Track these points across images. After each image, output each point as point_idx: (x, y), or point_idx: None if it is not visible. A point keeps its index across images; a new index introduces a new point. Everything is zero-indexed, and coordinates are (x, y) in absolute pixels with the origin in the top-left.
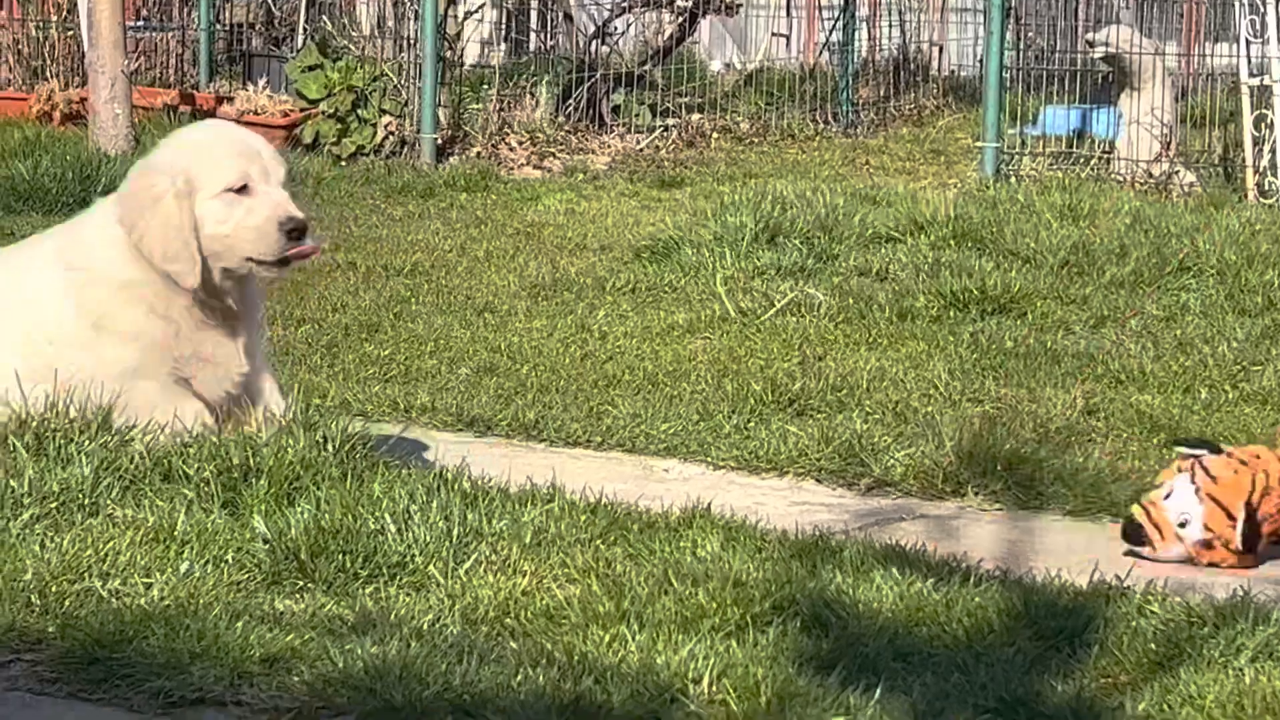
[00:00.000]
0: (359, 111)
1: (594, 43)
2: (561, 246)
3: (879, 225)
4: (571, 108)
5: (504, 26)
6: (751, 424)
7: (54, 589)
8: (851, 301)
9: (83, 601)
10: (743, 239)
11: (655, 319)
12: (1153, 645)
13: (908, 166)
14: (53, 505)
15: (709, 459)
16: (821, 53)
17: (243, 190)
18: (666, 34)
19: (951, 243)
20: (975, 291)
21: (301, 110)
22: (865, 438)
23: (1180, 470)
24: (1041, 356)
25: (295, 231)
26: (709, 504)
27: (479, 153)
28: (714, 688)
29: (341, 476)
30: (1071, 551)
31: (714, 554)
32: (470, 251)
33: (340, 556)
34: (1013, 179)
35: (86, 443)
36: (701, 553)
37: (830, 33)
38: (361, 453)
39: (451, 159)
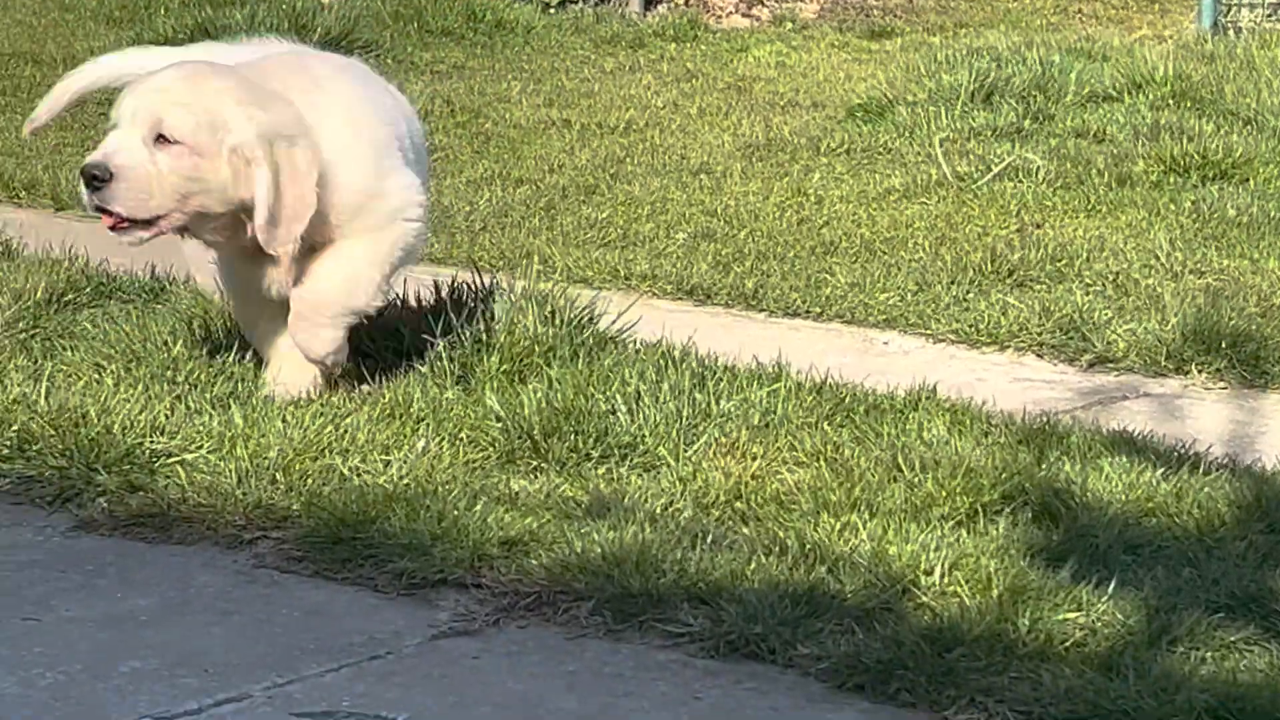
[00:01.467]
0: None
1: None
2: (773, 103)
3: (1095, 84)
4: None
5: None
6: (970, 295)
7: (297, 466)
8: (1069, 166)
9: (325, 479)
10: (957, 98)
11: (870, 182)
12: None
13: (1121, 15)
14: None
15: (928, 331)
16: None
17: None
18: None
19: (1170, 103)
20: (1196, 156)
21: None
22: (1086, 312)
23: None
24: (1265, 226)
25: (93, 180)
26: (934, 385)
27: (687, 0)
28: (945, 579)
29: (572, 355)
30: None
31: (940, 438)
32: (683, 108)
33: (573, 437)
34: (1230, 32)
35: None
36: (928, 436)
37: None
38: (590, 329)
39: (659, 7)
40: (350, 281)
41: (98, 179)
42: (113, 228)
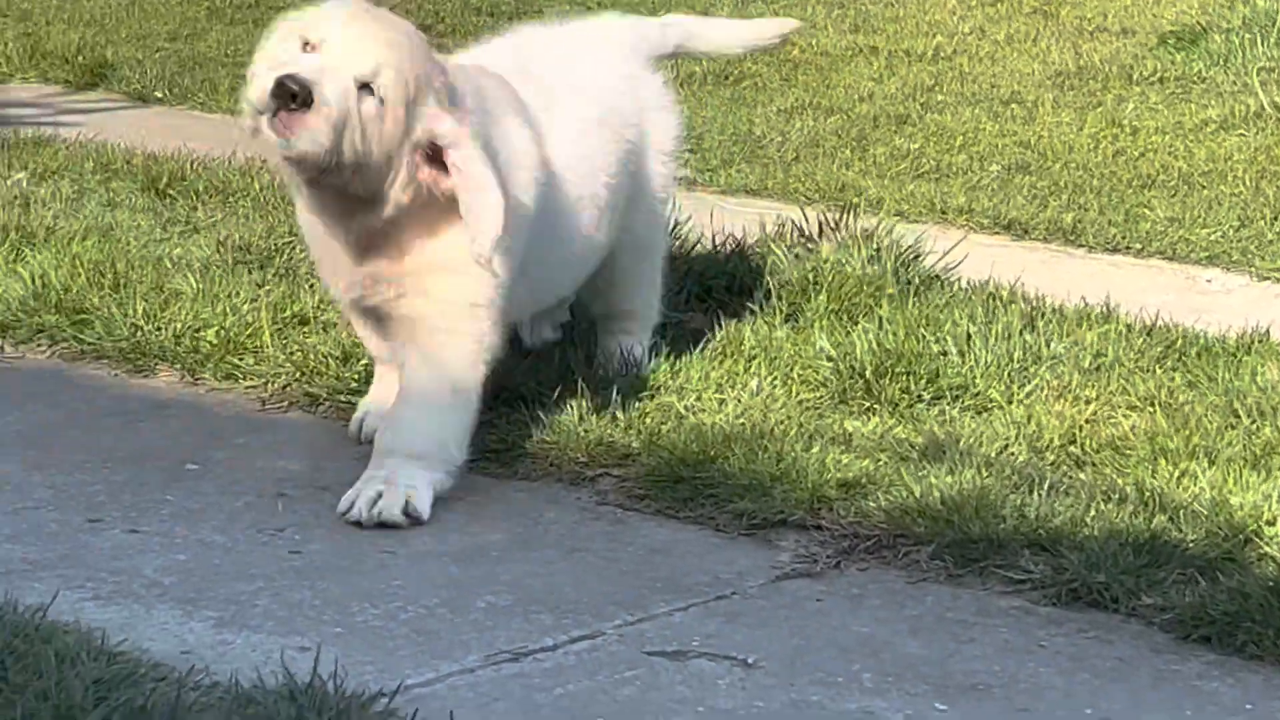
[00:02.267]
0: None
1: None
2: (1081, 29)
3: None
4: None
5: None
6: None
7: (636, 405)
8: None
9: (663, 418)
10: (1273, 25)
11: (1186, 113)
12: None
13: None
14: None
15: (1252, 269)
16: None
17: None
18: None
19: None
20: None
21: None
22: None
23: None
24: None
25: (287, 95)
26: (1265, 328)
27: None
28: None
29: (900, 294)
30: None
31: (1276, 383)
32: (989, 34)
33: (904, 378)
34: None
35: None
36: (1263, 380)
37: None
38: (915, 267)
39: None
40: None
41: (295, 96)
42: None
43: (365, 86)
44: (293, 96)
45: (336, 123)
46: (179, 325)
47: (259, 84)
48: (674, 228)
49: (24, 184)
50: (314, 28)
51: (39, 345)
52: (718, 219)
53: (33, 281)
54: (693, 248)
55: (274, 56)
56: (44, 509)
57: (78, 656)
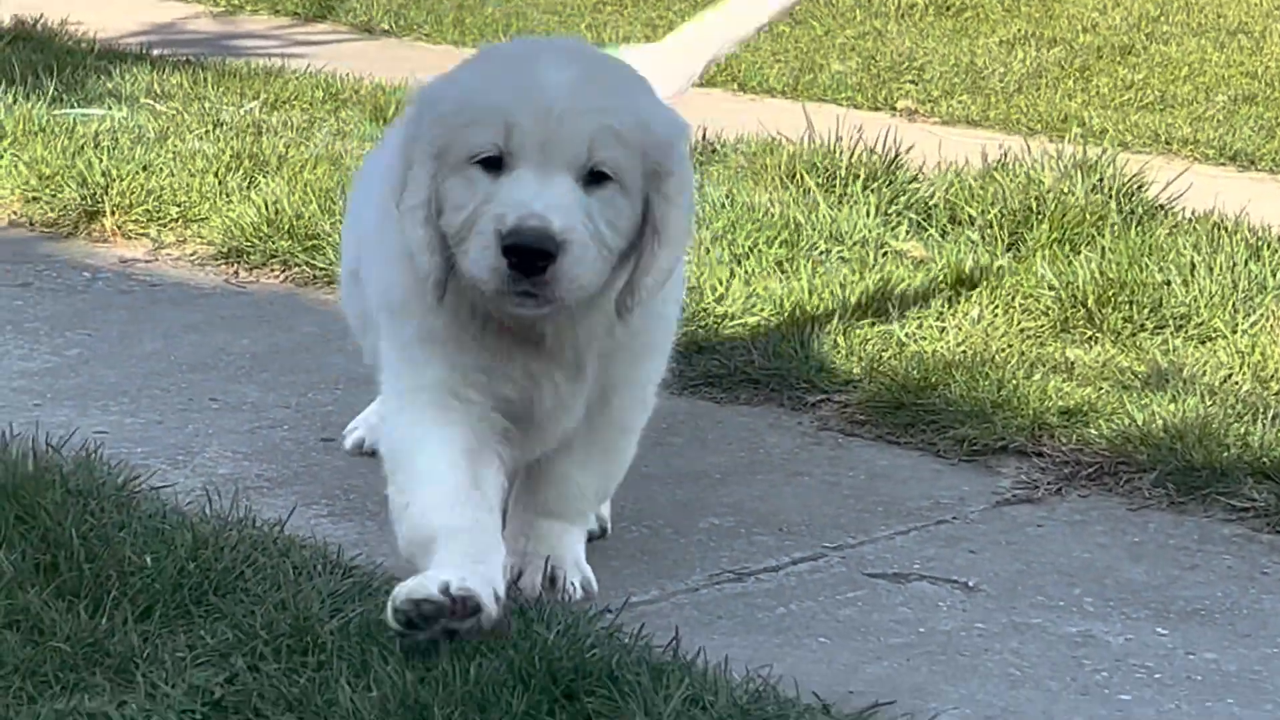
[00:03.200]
0: None
1: None
2: None
3: None
4: None
5: None
6: None
7: (856, 332)
8: None
9: (883, 345)
10: None
11: None
12: None
13: None
14: (846, 245)
15: None
16: None
17: (492, 164)
18: None
19: None
20: None
21: None
22: None
23: None
24: None
25: (522, 255)
26: None
27: None
28: None
29: (1123, 223)
30: None
31: None
32: None
33: (1127, 307)
34: None
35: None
36: None
37: None
38: (1138, 197)
39: None
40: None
41: (544, 254)
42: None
43: (594, 175)
44: (538, 258)
45: (593, 250)
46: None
47: (481, 262)
48: (895, 157)
49: (256, 113)
50: (492, 121)
51: (272, 270)
52: (939, 149)
53: (266, 208)
54: (913, 179)
55: (464, 199)
56: (279, 429)
57: (314, 569)
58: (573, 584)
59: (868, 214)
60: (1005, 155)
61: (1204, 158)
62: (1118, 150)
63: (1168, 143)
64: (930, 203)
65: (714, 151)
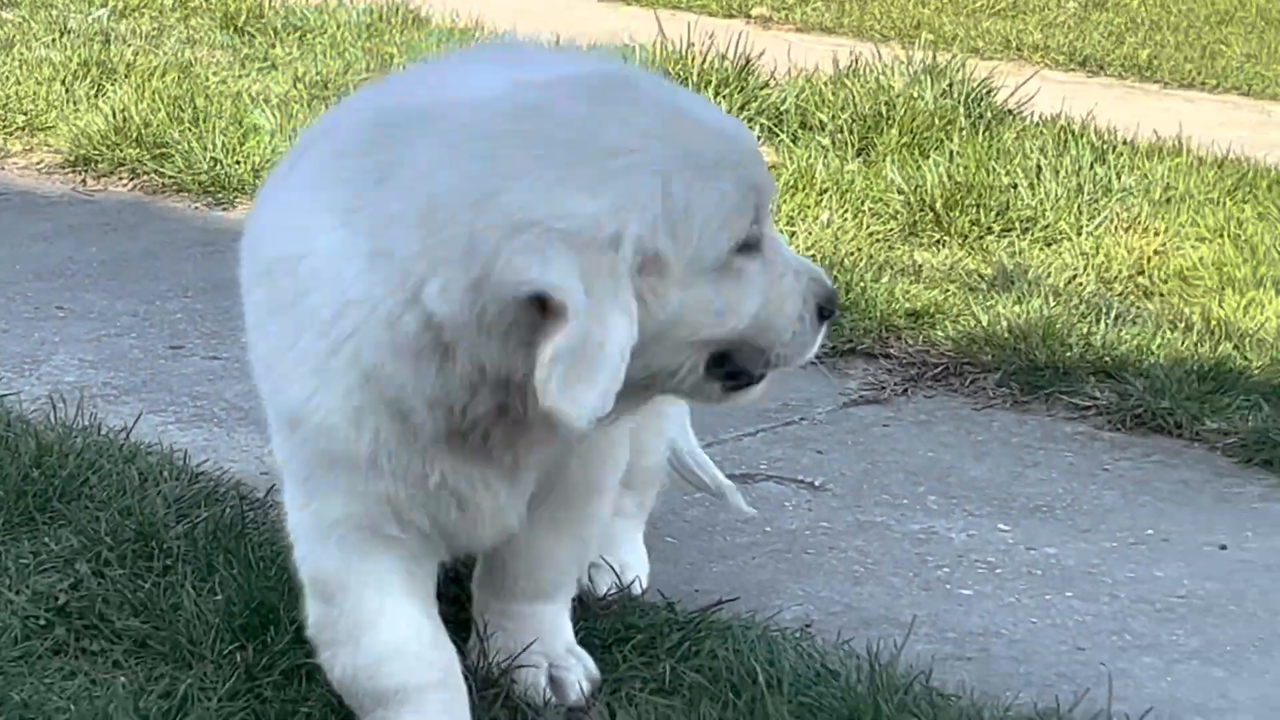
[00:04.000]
0: None
1: None
2: None
3: None
4: None
5: None
6: None
7: None
8: None
9: None
10: None
11: None
12: None
13: None
14: None
15: None
16: None
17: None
18: None
19: None
20: None
21: None
22: None
23: None
24: None
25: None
26: None
27: None
28: None
29: (971, 128)
30: None
31: None
32: None
33: (974, 210)
34: None
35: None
36: None
37: None
38: (987, 102)
39: None
40: None
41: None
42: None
43: None
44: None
45: None
46: (257, 159)
47: (803, 341)
48: (747, 63)
49: (104, 20)
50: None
51: (120, 178)
52: (792, 55)
53: (114, 116)
54: (764, 85)
55: (741, 295)
56: (127, 336)
57: (160, 475)
58: (580, 685)
59: None
60: (856, 61)
61: (1054, 63)
62: (968, 56)
63: (1018, 49)
64: (782, 108)
65: None
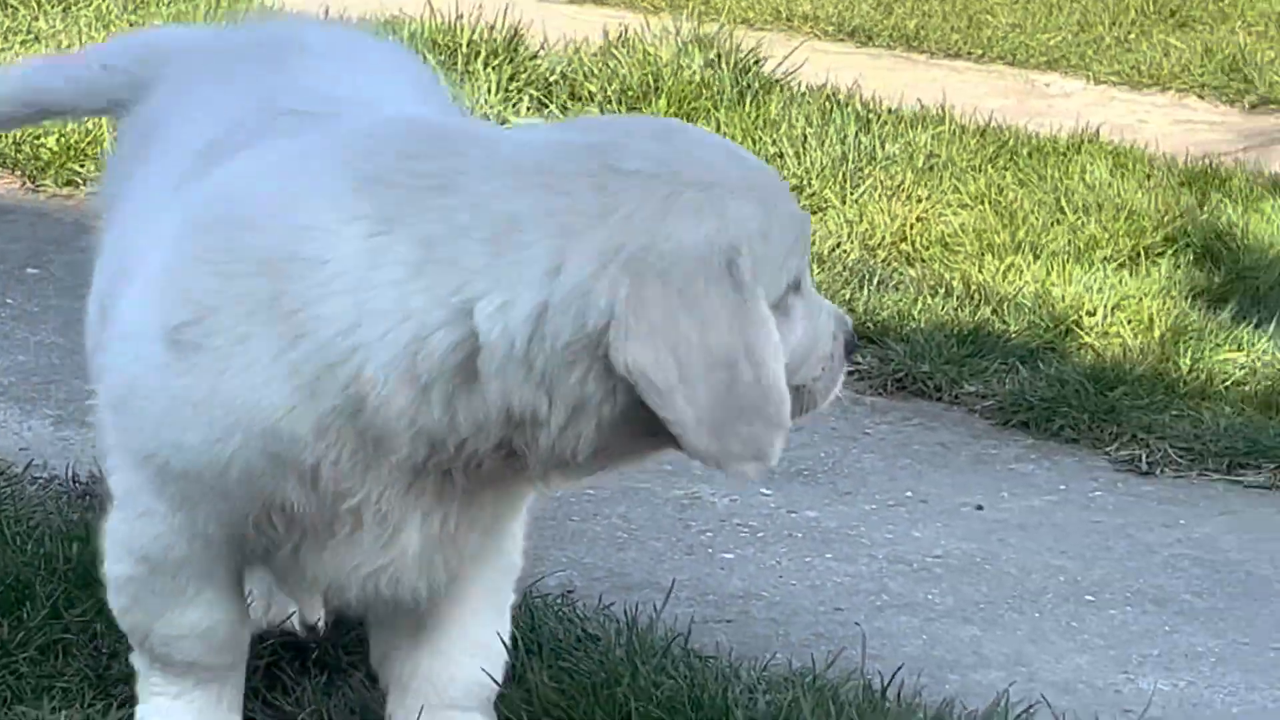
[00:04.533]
0: None
1: None
2: None
3: None
4: None
5: None
6: (1132, 36)
7: None
8: None
9: None
10: None
11: None
12: None
13: None
14: None
15: (1090, 73)
16: None
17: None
18: None
19: None
20: None
21: None
22: (1248, 52)
23: None
24: None
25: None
26: (1096, 128)
27: None
28: (1108, 320)
29: (738, 98)
30: None
31: (1103, 181)
32: None
33: None
34: None
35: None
36: (1091, 179)
37: None
38: (755, 71)
39: None
40: None
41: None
42: None
43: None
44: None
45: None
46: (19, 132)
47: (833, 379)
48: (517, 34)
49: None
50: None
51: None
52: (561, 26)
53: None
54: (534, 56)
55: (803, 330)
56: None
57: None
58: None
59: (489, 91)
60: (626, 32)
61: (823, 34)
62: (736, 26)
63: (788, 19)
64: (551, 79)
65: None
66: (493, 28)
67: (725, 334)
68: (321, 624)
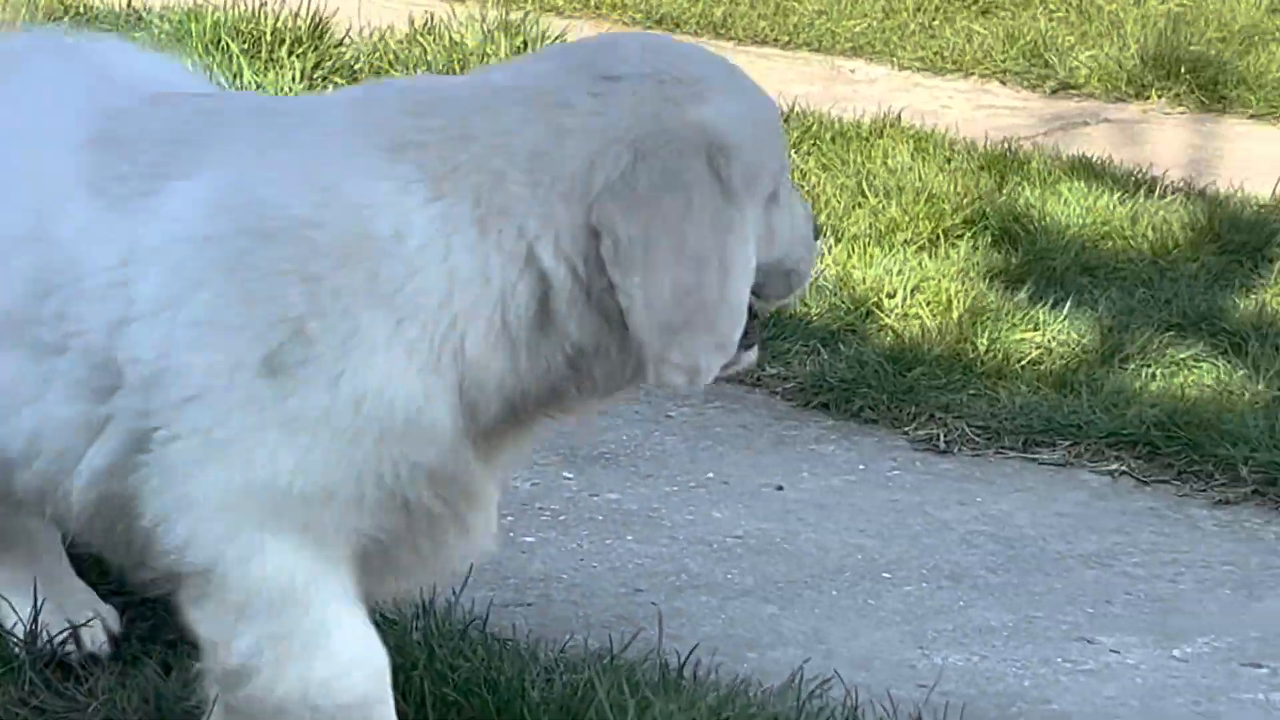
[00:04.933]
0: None
1: None
2: None
3: None
4: None
5: None
6: (936, 22)
7: None
8: None
9: None
10: None
11: None
12: None
13: None
14: None
15: (895, 59)
16: None
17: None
18: None
19: None
20: None
21: None
22: (1049, 38)
23: None
24: None
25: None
26: (899, 113)
27: None
28: (908, 302)
29: None
30: (1253, 159)
31: (905, 165)
32: None
33: None
34: None
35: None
36: (893, 163)
37: None
38: None
39: None
40: None
41: None
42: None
43: None
44: None
45: None
46: None
47: (808, 265)
48: (321, 22)
49: None
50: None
51: None
52: (367, 13)
53: None
54: (339, 43)
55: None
56: None
57: None
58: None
59: (294, 79)
60: (432, 19)
61: (631, 21)
62: (545, 13)
63: (596, 7)
64: (356, 67)
65: (139, 19)
66: (297, 15)
67: (705, 231)
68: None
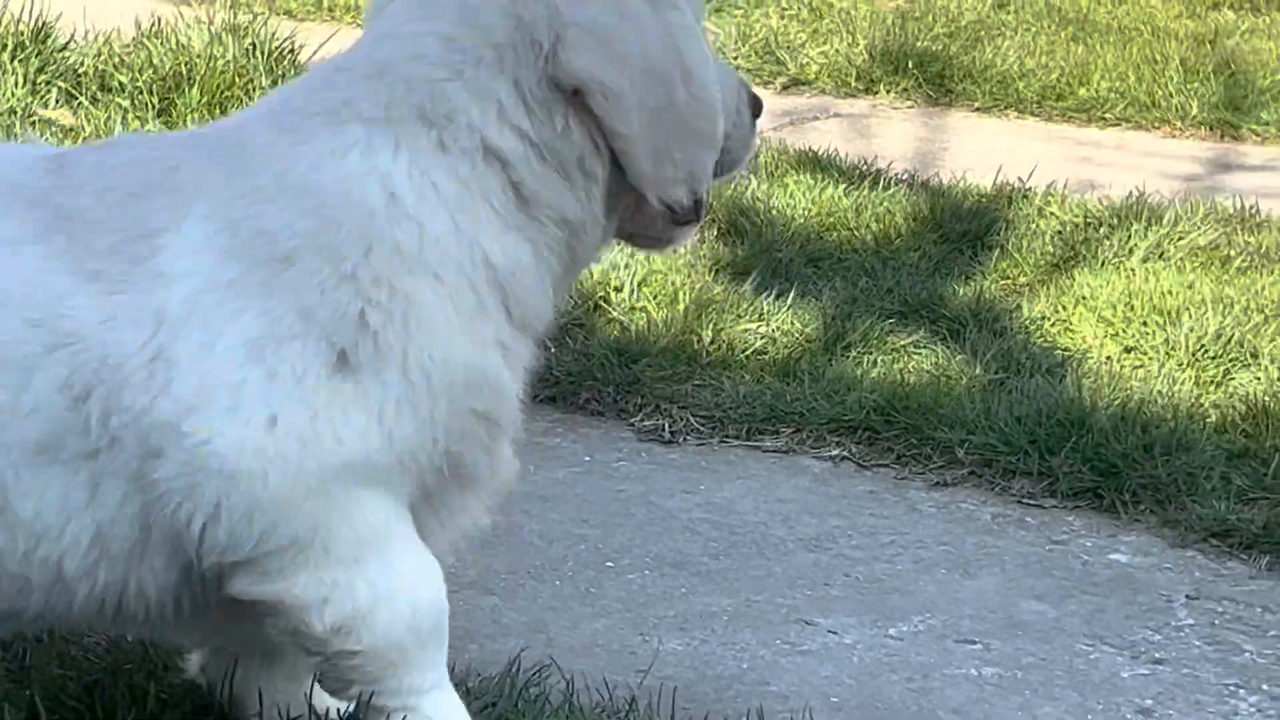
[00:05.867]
0: None
1: None
2: None
3: None
4: None
5: None
6: None
7: None
8: None
9: None
10: None
11: None
12: (1050, 248)
13: None
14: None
15: None
16: None
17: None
18: None
19: None
20: None
21: None
22: (781, 35)
23: None
24: None
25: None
26: None
27: None
28: (634, 295)
29: (273, 85)
30: (978, 151)
31: None
32: None
33: None
34: None
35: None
36: None
37: None
38: (290, 60)
39: None
40: None
41: None
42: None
43: None
44: None
45: None
46: None
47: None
48: (45, 25)
49: None
50: None
51: None
52: (93, 16)
53: None
54: (63, 47)
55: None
56: None
57: None
58: None
59: (16, 84)
60: (159, 22)
61: (363, 24)
62: (282, 18)
63: (330, 10)
64: (80, 71)
65: None
66: (19, 20)
67: (658, 47)
68: None
